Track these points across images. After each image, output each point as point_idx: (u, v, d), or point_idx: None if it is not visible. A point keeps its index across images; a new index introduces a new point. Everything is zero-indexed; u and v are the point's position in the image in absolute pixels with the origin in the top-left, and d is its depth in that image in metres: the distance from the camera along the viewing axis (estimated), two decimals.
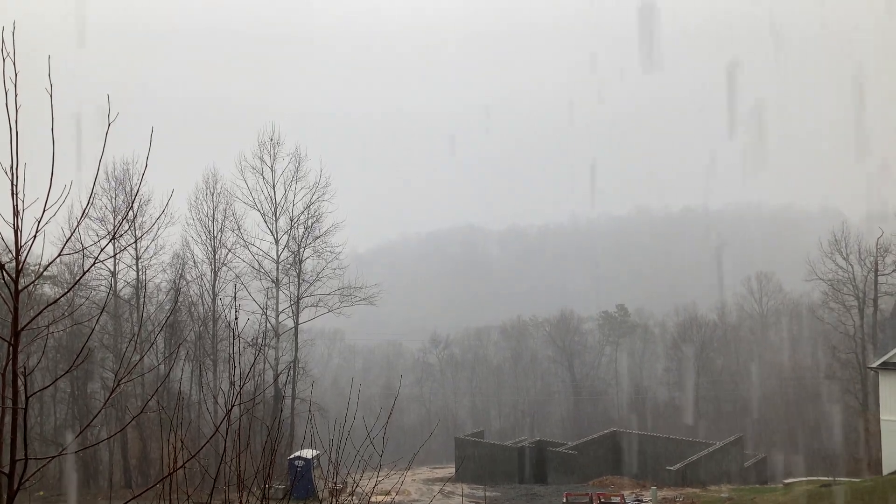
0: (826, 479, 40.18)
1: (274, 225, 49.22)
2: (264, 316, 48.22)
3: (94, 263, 6.92)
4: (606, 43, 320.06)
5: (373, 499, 8.68)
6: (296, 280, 49.25)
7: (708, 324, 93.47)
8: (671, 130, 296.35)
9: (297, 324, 49.33)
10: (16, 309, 4.48)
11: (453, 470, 51.15)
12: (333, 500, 7.89)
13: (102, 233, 43.51)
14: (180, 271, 49.02)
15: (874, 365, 39.47)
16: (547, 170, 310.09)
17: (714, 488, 40.97)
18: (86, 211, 6.41)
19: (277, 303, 48.91)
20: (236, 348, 7.05)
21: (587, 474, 46.13)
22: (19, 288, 4.51)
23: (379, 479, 7.69)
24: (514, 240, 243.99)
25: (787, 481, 44.27)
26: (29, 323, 4.62)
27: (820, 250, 60.30)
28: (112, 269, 45.65)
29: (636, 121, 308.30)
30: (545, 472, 47.07)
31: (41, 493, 36.39)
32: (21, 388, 4.50)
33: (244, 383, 6.30)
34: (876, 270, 57.70)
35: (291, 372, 48.21)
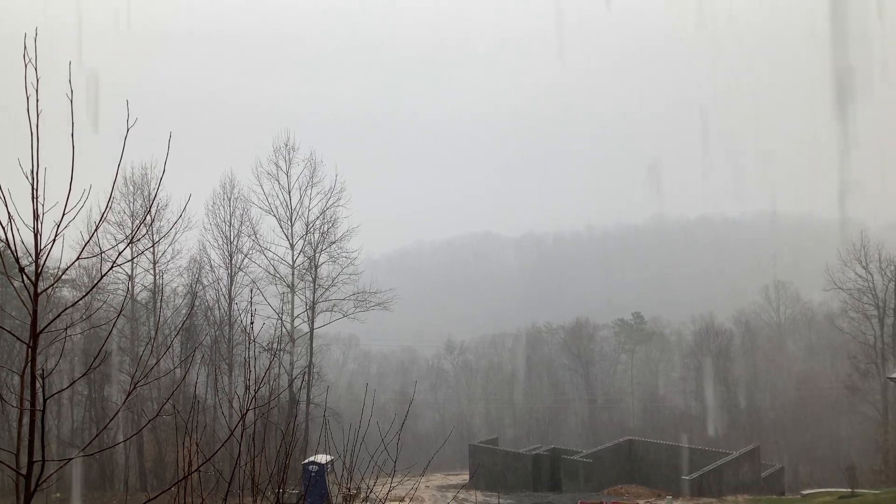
0: (845, 490, 39.68)
1: (289, 230, 49.46)
2: (280, 321, 48.44)
3: (112, 267, 6.94)
4: (622, 50, 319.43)
5: None
6: (311, 285, 49.38)
7: (725, 332, 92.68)
8: (688, 138, 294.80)
9: (312, 329, 49.45)
10: (35, 311, 4.52)
11: (467, 477, 50.97)
12: None
13: (120, 237, 43.96)
14: (197, 276, 49.37)
15: (894, 375, 39.05)
16: (563, 177, 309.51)
17: (730, 498, 40.56)
18: (104, 215, 6.47)
19: (293, 307, 49.09)
20: (251, 353, 7.07)
21: (602, 483, 45.83)
22: (38, 291, 4.55)
23: (393, 485, 7.67)
24: (530, 247, 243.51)
25: (805, 492, 43.82)
26: (48, 326, 4.65)
27: (839, 259, 59.63)
28: (129, 273, 46.03)
29: (653, 127, 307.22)
30: (559, 480, 46.80)
31: (58, 494, 36.62)
32: (39, 390, 4.54)
33: (259, 388, 6.31)
34: None
35: (306, 377, 48.28)
